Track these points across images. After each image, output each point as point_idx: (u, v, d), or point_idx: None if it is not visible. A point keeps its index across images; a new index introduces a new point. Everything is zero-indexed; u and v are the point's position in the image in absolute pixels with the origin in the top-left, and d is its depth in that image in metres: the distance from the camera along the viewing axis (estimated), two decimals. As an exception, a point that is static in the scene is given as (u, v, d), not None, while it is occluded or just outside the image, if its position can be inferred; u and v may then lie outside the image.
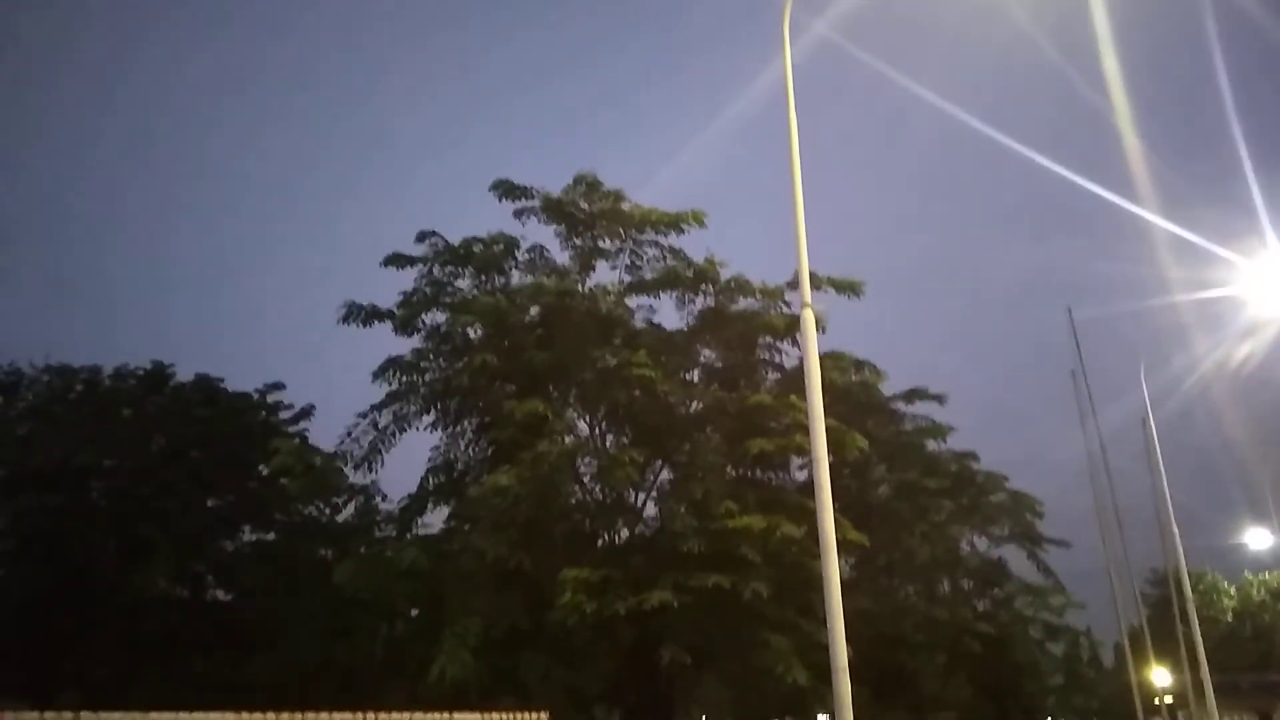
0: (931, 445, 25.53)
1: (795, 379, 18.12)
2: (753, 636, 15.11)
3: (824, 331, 16.92)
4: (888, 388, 23.01)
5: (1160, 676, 32.13)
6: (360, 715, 7.34)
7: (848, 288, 18.20)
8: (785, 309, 18.30)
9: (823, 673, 10.31)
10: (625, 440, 17.71)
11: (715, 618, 15.10)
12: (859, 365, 19.81)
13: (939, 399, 25.58)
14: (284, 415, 28.58)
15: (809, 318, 11.52)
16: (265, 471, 26.12)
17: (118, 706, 6.65)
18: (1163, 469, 23.13)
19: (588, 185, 18.25)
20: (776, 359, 19.39)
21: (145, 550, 24.31)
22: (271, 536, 27.25)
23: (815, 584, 13.46)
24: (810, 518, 11.09)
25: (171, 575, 25.76)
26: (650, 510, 18.04)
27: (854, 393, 19.88)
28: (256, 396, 28.46)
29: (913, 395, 25.57)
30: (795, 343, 18.53)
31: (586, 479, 17.58)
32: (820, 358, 10.92)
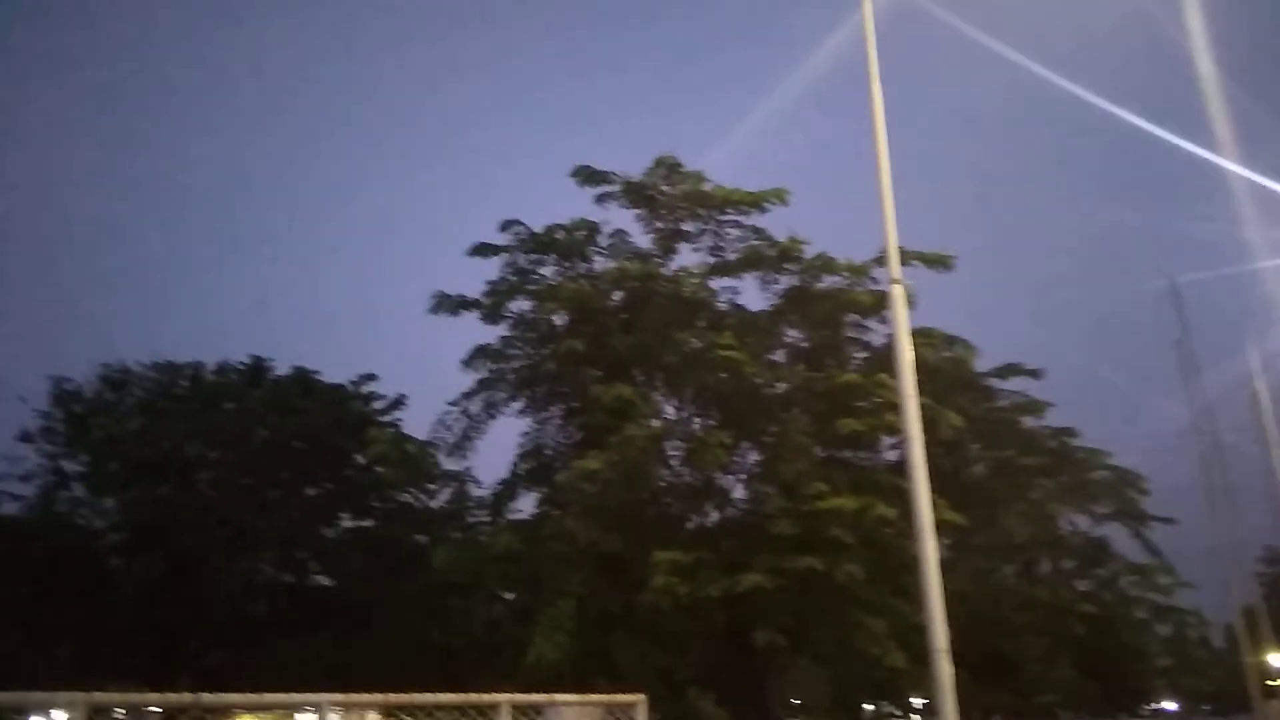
0: (1028, 421, 24.78)
1: (883, 357, 17.76)
2: (847, 619, 14.94)
3: (914, 307, 16.54)
4: (980, 363, 22.40)
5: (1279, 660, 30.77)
6: (462, 695, 7.45)
7: (937, 262, 17.75)
8: (872, 285, 17.96)
9: (919, 655, 10.14)
10: (712, 423, 17.63)
11: (809, 600, 14.96)
12: (950, 341, 19.32)
13: (1034, 374, 24.79)
14: (377, 405, 29.32)
15: (898, 294, 11.29)
16: (362, 460, 26.90)
17: (231, 689, 6.87)
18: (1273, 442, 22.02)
19: (668, 167, 18.18)
20: (864, 337, 19.05)
21: (251, 538, 25.26)
22: (370, 523, 28.03)
23: (910, 566, 13.25)
24: (903, 498, 10.90)
25: (277, 562, 26.74)
26: (739, 493, 17.96)
27: (945, 370, 19.40)
28: (351, 388, 29.24)
29: (1007, 371, 24.83)
30: (883, 320, 18.17)
31: (675, 462, 17.59)
32: (910, 334, 10.68)
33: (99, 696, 5.78)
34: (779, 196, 17.73)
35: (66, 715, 5.68)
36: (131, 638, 24.43)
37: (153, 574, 24.39)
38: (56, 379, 27.39)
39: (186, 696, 6.08)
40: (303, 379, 28.99)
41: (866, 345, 18.94)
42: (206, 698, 6.22)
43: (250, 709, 7.44)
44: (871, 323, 18.65)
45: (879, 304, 17.45)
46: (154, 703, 6.13)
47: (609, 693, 9.34)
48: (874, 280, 17.97)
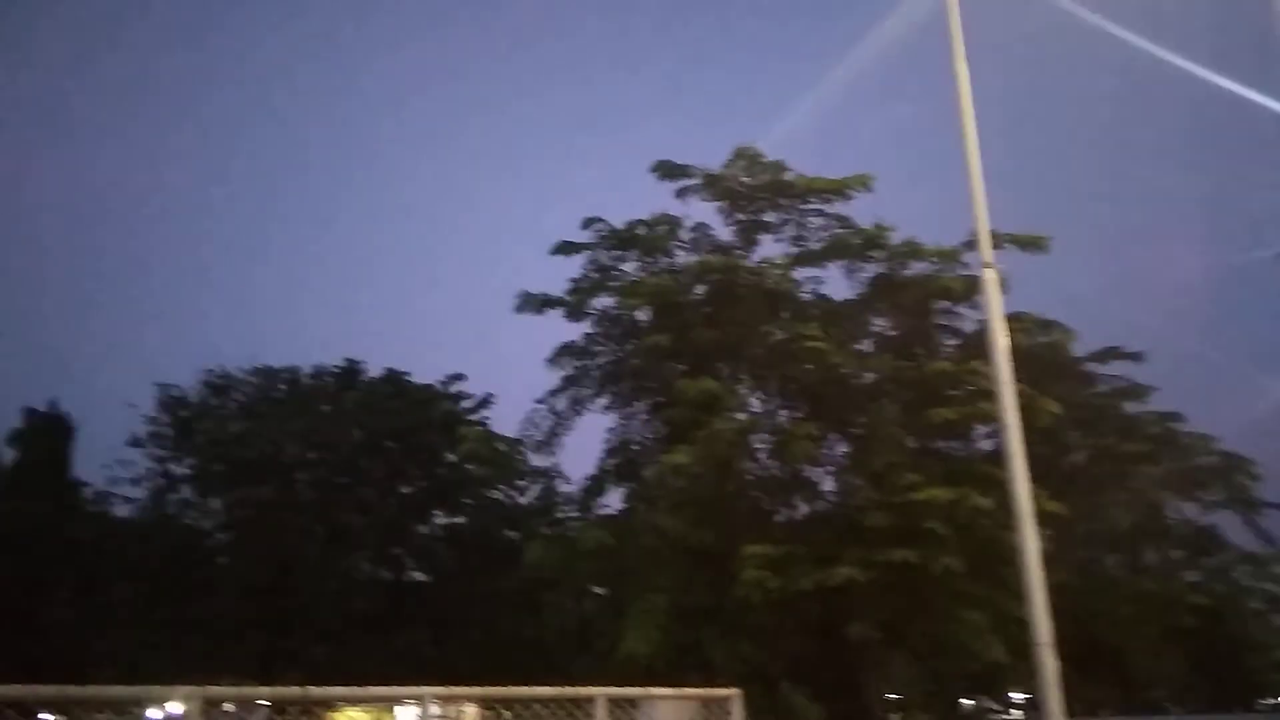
0: (1129, 407, 23.86)
1: (975, 344, 17.32)
2: (944, 612, 14.63)
3: (1006, 292, 16.06)
4: (1078, 348, 21.64)
5: None
6: (558, 689, 7.50)
7: (1030, 244, 17.19)
8: (962, 270, 17.51)
9: (1021, 649, 9.86)
10: (800, 415, 17.44)
11: (904, 593, 14.69)
12: (1045, 326, 18.71)
13: (1135, 357, 23.83)
14: (465, 404, 29.87)
15: (990, 278, 10.97)
16: (453, 458, 27.45)
17: (335, 683, 7.04)
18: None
19: (748, 158, 18.03)
20: (954, 324, 18.59)
21: (349, 536, 25.99)
22: (462, 520, 28.57)
23: (1009, 557, 12.89)
24: (999, 488, 10.61)
25: (374, 558, 27.47)
26: (828, 485, 17.74)
27: (1041, 355, 18.81)
28: (440, 388, 29.84)
29: (1106, 355, 23.93)
30: (974, 306, 17.71)
31: (762, 455, 17.46)
32: (1003, 320, 10.37)
33: (213, 690, 5.99)
34: (862, 183, 17.43)
35: (182, 709, 5.91)
36: (239, 634, 25.38)
37: (258, 572, 25.29)
38: (162, 385, 28.61)
39: (296, 690, 6.27)
40: (393, 380, 29.72)
41: (957, 332, 18.49)
42: (315, 691, 6.41)
43: (356, 702, 7.67)
44: (962, 309, 18.20)
45: (970, 289, 17.00)
46: (265, 696, 6.35)
47: (701, 687, 9.34)
48: (965, 265, 17.54)
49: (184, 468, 28.20)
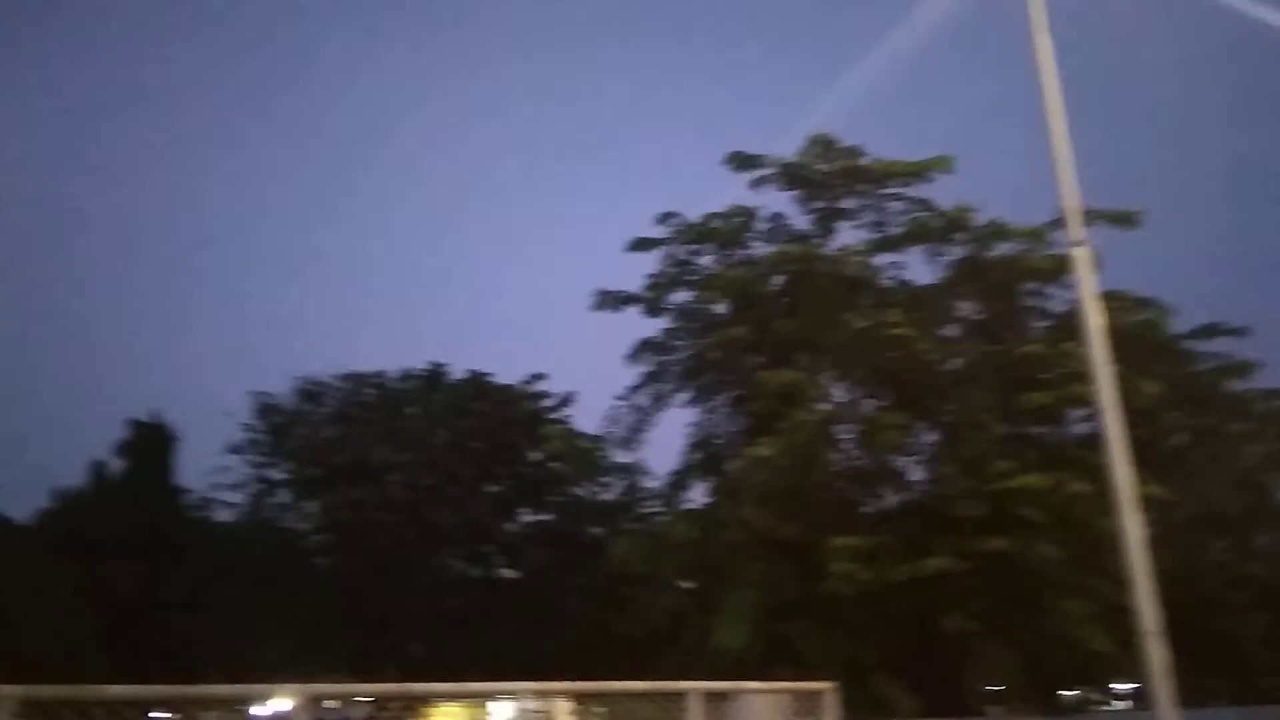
0: (1233, 385, 22.82)
1: (1067, 325, 16.78)
2: (1043, 601, 14.24)
3: (1098, 270, 15.50)
4: (1176, 325, 20.79)
5: None
6: (651, 683, 7.52)
7: (1121, 219, 16.59)
8: (1050, 250, 16.99)
9: (1124, 638, 9.54)
10: (885, 404, 17.14)
11: (1000, 583, 14.34)
12: (1140, 303, 18.03)
13: (1238, 333, 22.78)
14: (547, 403, 30.18)
15: (1081, 257, 10.64)
16: (537, 457, 27.78)
17: (430, 680, 7.16)
18: None
19: (823, 145, 17.80)
20: (1044, 305, 18.05)
21: (439, 535, 26.51)
22: (548, 517, 28.88)
23: (1110, 544, 12.47)
24: (1096, 473, 10.27)
25: (464, 557, 27.96)
26: (917, 474, 17.40)
27: (1136, 334, 18.13)
28: (522, 388, 30.20)
29: (1206, 331, 22.93)
30: (1065, 286, 17.16)
31: (848, 446, 17.22)
32: (1097, 299, 10.02)
33: (317, 687, 6.17)
34: (942, 165, 17.05)
35: (289, 706, 6.09)
36: (338, 632, 26.11)
37: (353, 571, 25.98)
38: (257, 393, 29.58)
39: (397, 687, 6.42)
40: (476, 381, 30.19)
41: (1047, 314, 17.94)
42: (415, 687, 6.55)
43: (454, 698, 7.81)
44: (1052, 290, 17.66)
45: (1059, 269, 16.49)
46: (367, 693, 6.51)
47: (791, 681, 9.24)
48: (1051, 245, 17.01)
49: (281, 472, 29.12)
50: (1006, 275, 17.22)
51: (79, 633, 31.83)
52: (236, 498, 29.36)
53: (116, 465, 42.62)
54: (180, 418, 36.79)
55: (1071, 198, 10.90)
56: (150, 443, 42.72)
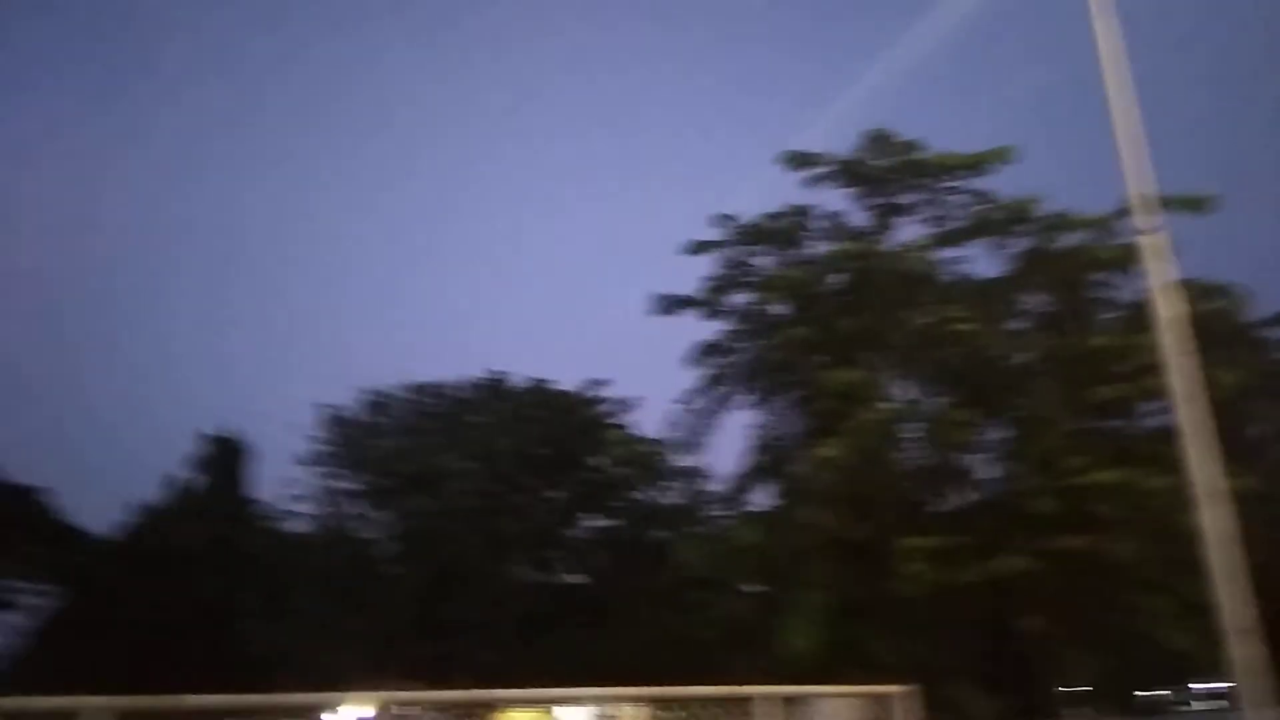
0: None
1: (1137, 316, 16.32)
2: (1122, 600, 13.86)
3: (1169, 258, 15.04)
4: (1252, 312, 20.08)
5: None
6: (721, 688, 7.48)
7: (1194, 205, 16.06)
8: (1118, 239, 16.54)
9: (1208, 636, 9.22)
10: (951, 401, 16.84)
11: (1077, 582, 13.98)
12: (1214, 291, 17.44)
13: (1319, 319, 21.93)
14: (607, 409, 30.28)
15: (1151, 245, 10.34)
16: (599, 462, 27.89)
17: (501, 685, 7.23)
18: None
19: (879, 141, 17.57)
20: (1113, 296, 17.57)
21: (505, 542, 26.74)
22: (611, 522, 28.96)
23: (1188, 539, 12.08)
24: (1174, 466, 9.95)
25: (530, 563, 28.17)
26: (987, 472, 17.05)
27: (1211, 323, 17.55)
28: (582, 394, 30.35)
29: (1284, 318, 22.14)
30: (1135, 275, 16.70)
31: (914, 445, 16.95)
32: (1169, 288, 9.72)
33: (394, 694, 6.27)
34: (1002, 156, 16.71)
35: (366, 713, 6.19)
36: (409, 639, 26.48)
37: (422, 579, 26.34)
38: (325, 406, 30.19)
39: (471, 693, 6.48)
40: (537, 389, 30.43)
41: (1117, 304, 17.46)
42: (489, 693, 6.61)
43: (527, 704, 7.85)
44: (1121, 280, 17.19)
45: (1128, 258, 16.05)
46: (442, 700, 6.59)
47: (861, 684, 9.11)
48: (1119, 234, 16.56)
49: (350, 483, 29.67)
50: (1073, 266, 16.79)
51: (158, 642, 32.77)
52: (308, 508, 30.01)
53: (192, 479, 43.89)
54: (253, 431, 37.70)
55: (1140, 184, 10.61)
56: (224, 456, 43.85)
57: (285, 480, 30.23)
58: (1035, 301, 17.85)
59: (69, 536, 39.54)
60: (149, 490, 42.88)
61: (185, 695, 5.21)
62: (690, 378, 18.52)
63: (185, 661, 30.75)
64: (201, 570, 35.65)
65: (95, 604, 35.77)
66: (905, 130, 17.90)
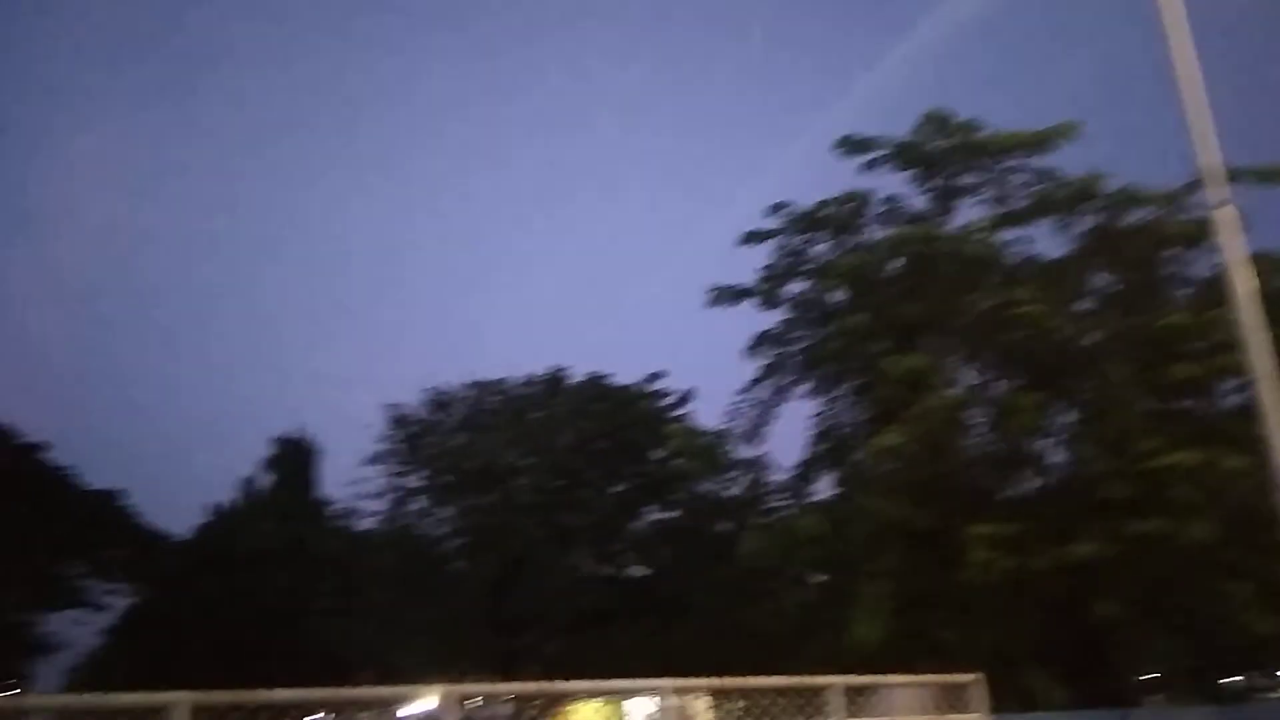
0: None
1: (1211, 292, 15.81)
2: (1201, 584, 13.46)
3: (1245, 231, 14.52)
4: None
5: None
6: (792, 678, 7.43)
7: (1269, 176, 15.48)
8: (1190, 214, 16.03)
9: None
10: (1018, 384, 16.49)
11: (1153, 567, 13.60)
12: (1293, 264, 16.79)
13: None
14: (667, 402, 30.29)
15: (1226, 218, 10.02)
16: (659, 455, 27.90)
17: (568, 677, 7.28)
18: None
19: (938, 122, 17.25)
20: (1184, 273, 17.03)
21: (569, 536, 26.94)
22: (673, 514, 28.98)
23: (1269, 521, 11.69)
24: (1253, 447, 9.62)
25: (594, 556, 28.35)
26: (1057, 456, 16.68)
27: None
28: (642, 387, 30.41)
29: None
30: (1208, 251, 16.17)
31: (980, 430, 16.65)
32: (1244, 262, 9.39)
33: (465, 687, 6.35)
34: (1066, 132, 16.28)
35: (435, 705, 6.29)
36: (477, 632, 26.84)
37: (490, 574, 26.67)
38: (391, 405, 30.71)
39: (540, 685, 6.55)
40: (596, 383, 30.55)
41: (1189, 281, 16.93)
42: (557, 685, 6.67)
43: (595, 695, 7.91)
44: (1193, 256, 16.65)
45: (1200, 233, 15.54)
46: (512, 692, 6.66)
47: (932, 673, 8.98)
48: (1195, 209, 16.05)
49: (415, 480, 30.16)
50: (1142, 243, 16.31)
51: (233, 639, 33.68)
52: (376, 506, 30.57)
53: (264, 480, 45.05)
54: (321, 432, 38.52)
55: (1211, 156, 10.28)
56: (294, 457, 44.92)
57: (354, 479, 30.83)
58: (1103, 281, 17.40)
59: (148, 539, 40.88)
60: (224, 492, 44.18)
61: (270, 690, 5.35)
62: (749, 369, 18.45)
63: (259, 658, 31.58)
64: (274, 569, 36.58)
65: (172, 603, 36.92)
66: (961, 109, 17.58)
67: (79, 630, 41.59)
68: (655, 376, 30.41)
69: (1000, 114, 18.32)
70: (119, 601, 41.20)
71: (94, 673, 44.64)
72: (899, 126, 17.59)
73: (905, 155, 17.44)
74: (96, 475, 39.32)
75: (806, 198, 18.37)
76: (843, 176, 18.14)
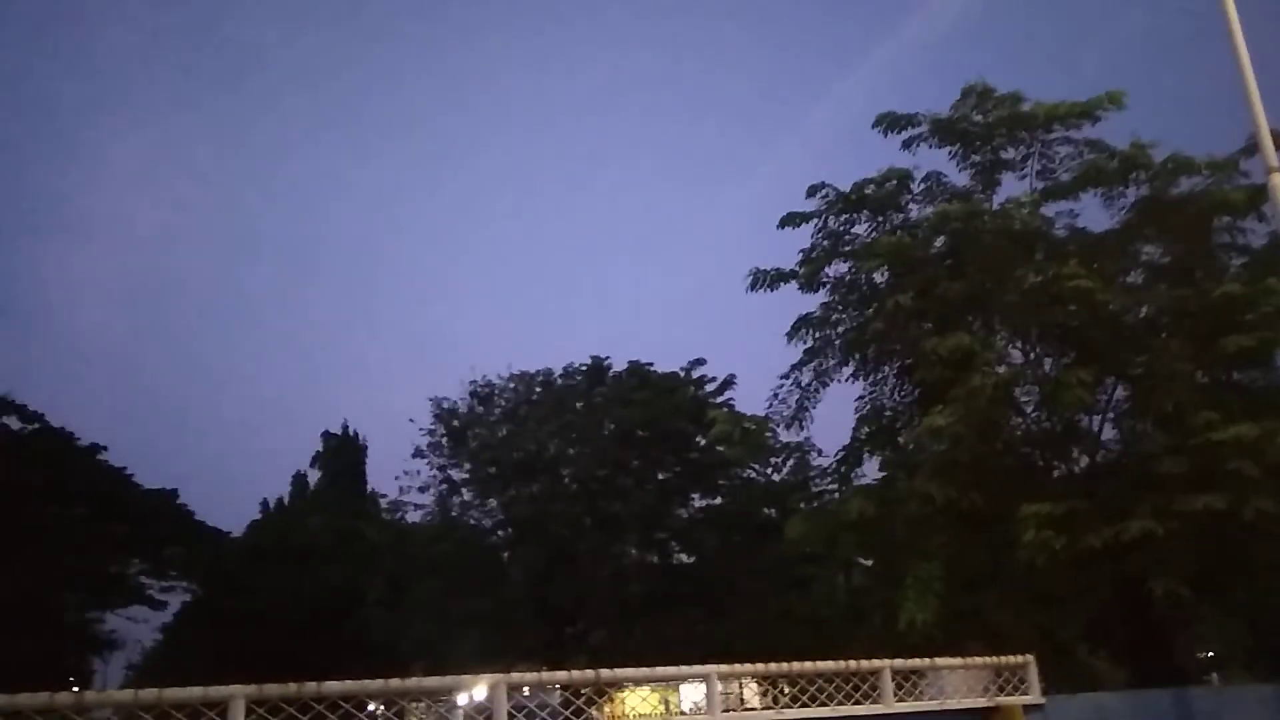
0: None
1: (1268, 260, 15.38)
2: (1263, 560, 13.13)
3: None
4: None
5: None
6: (842, 663, 7.37)
7: (1324, 140, 14.99)
8: (1244, 181, 15.59)
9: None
10: (1067, 361, 16.19)
11: (1213, 543, 13.30)
12: (1353, 229, 16.28)
13: None
14: (709, 388, 30.23)
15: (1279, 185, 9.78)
16: (702, 442, 27.86)
17: (616, 666, 7.28)
18: None
19: (979, 95, 16.93)
20: (1239, 241, 16.59)
21: (615, 524, 27.02)
22: (719, 501, 28.96)
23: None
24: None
25: (641, 544, 28.43)
26: (1108, 433, 16.37)
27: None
28: (682, 374, 30.37)
29: None
30: (1261, 218, 15.73)
31: (1029, 408, 16.38)
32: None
33: (515, 677, 6.38)
34: (1114, 101, 15.89)
35: (486, 695, 6.32)
36: (525, 622, 27.05)
37: (536, 564, 26.85)
38: (436, 399, 31.00)
39: (589, 674, 6.55)
40: (638, 371, 30.58)
41: (1245, 249, 16.49)
42: (606, 673, 6.67)
43: (644, 683, 7.91)
44: (1249, 223, 16.22)
45: (1255, 200, 15.12)
46: (561, 681, 6.67)
47: (983, 655, 8.88)
48: (1246, 175, 15.60)
49: (462, 472, 30.44)
50: (1194, 213, 15.90)
51: (287, 632, 34.28)
52: (424, 499, 30.90)
53: (314, 475, 45.78)
54: (368, 427, 38.97)
55: (1263, 121, 9.99)
56: (343, 452, 45.57)
57: (401, 473, 31.20)
58: (1154, 252, 17.01)
59: (204, 536, 41.78)
60: (276, 488, 44.97)
61: (326, 682, 5.41)
62: (790, 352, 18.29)
63: (312, 651, 32.12)
64: (326, 562, 37.15)
65: (228, 598, 37.68)
66: (998, 81, 17.23)
67: (138, 627, 42.70)
68: (696, 363, 30.37)
69: (1036, 85, 17.85)
70: (176, 598, 42.21)
71: (152, 669, 45.83)
72: (934, 99, 17.32)
73: (945, 130, 17.15)
74: (153, 475, 40.18)
75: (841, 175, 18.16)
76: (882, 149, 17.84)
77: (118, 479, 38.44)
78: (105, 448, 38.40)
